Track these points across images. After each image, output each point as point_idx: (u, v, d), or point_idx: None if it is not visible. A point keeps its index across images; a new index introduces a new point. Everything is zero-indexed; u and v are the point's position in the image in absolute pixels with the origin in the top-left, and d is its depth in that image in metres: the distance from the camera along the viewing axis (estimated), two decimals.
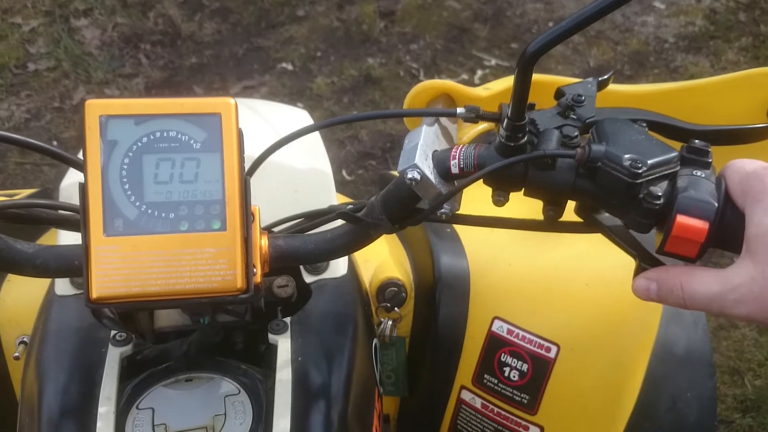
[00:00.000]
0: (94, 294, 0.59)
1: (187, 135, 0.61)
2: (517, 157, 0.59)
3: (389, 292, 0.91)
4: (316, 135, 0.99)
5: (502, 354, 0.88)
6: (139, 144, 0.60)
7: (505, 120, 0.59)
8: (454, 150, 0.62)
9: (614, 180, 0.57)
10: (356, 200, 0.74)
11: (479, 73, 2.74)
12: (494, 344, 0.88)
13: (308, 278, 0.83)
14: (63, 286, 0.80)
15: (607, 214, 0.63)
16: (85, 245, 0.59)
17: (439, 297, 0.89)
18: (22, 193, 1.14)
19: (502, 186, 0.62)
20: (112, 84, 2.71)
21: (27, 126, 2.59)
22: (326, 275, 0.84)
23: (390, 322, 0.90)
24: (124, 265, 0.59)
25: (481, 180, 0.62)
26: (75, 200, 0.74)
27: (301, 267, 0.84)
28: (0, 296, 0.90)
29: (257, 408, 0.69)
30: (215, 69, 2.80)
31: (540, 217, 0.65)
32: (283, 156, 0.73)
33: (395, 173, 1.19)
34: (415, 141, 0.63)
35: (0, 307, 0.89)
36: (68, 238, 0.81)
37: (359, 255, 0.91)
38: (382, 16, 2.96)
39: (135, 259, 0.59)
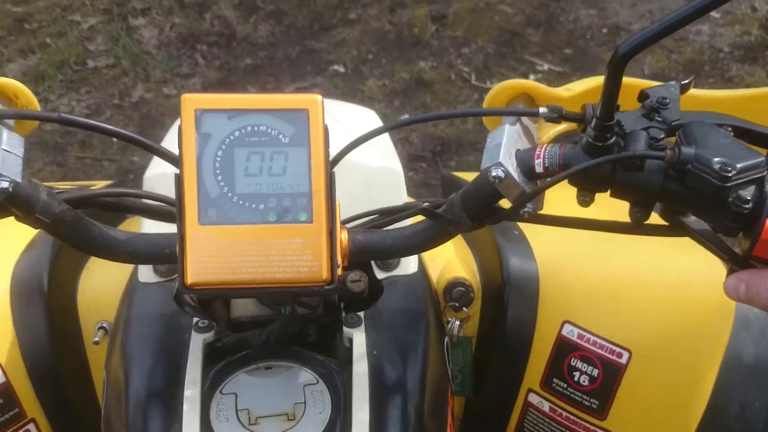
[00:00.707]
0: (189, 280, 0.61)
1: (277, 129, 0.63)
2: (606, 157, 0.60)
3: (456, 292, 0.92)
4: (386, 135, 1.01)
5: (572, 358, 0.88)
6: (232, 137, 0.62)
7: (594, 120, 0.60)
8: (538, 149, 0.63)
9: (704, 183, 0.57)
10: (431, 198, 0.75)
11: (531, 77, 2.73)
12: (564, 348, 0.88)
13: (379, 274, 0.85)
14: (146, 274, 0.83)
15: (692, 218, 0.63)
16: (181, 233, 0.61)
17: (508, 299, 0.89)
18: (98, 185, 1.18)
19: (588, 186, 0.62)
20: (170, 83, 2.76)
21: None
22: (397, 272, 0.85)
23: (457, 322, 0.91)
24: (217, 252, 0.61)
25: (563, 180, 0.62)
26: (157, 191, 0.76)
27: (373, 263, 0.85)
28: (80, 284, 0.93)
29: (335, 398, 0.71)
30: (269, 70, 2.85)
31: (616, 218, 0.66)
32: (357, 154, 0.75)
33: (458, 174, 1.20)
34: (498, 139, 0.64)
35: (79, 294, 0.92)
36: (151, 226, 0.83)
37: (426, 254, 0.92)
38: (433, 20, 2.97)
39: (227, 247, 0.61)
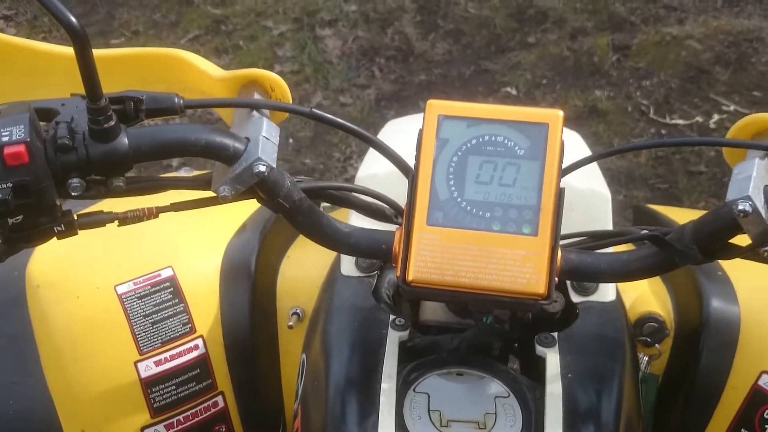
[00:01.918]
0: (411, 276, 0.63)
1: (513, 141, 0.64)
2: None
3: (648, 327, 0.89)
4: None
5: (766, 411, 0.83)
6: (468, 145, 0.64)
7: None
8: None
9: None
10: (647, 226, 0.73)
11: (716, 117, 2.60)
12: (758, 399, 0.83)
13: (575, 297, 0.84)
14: (348, 267, 0.87)
15: None
16: (407, 231, 0.64)
17: (704, 342, 0.85)
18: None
19: None
20: (347, 92, 2.88)
21: None
22: (594, 297, 0.83)
23: (646, 358, 0.88)
24: (441, 254, 0.63)
25: None
26: None
27: (569, 285, 0.84)
28: (281, 269, 0.98)
29: (527, 415, 0.70)
30: (441, 87, 2.89)
31: None
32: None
33: (653, 207, 1.16)
34: (747, 172, 0.62)
35: (280, 280, 0.97)
36: (357, 221, 0.87)
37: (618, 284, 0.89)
38: (615, 50, 2.90)
39: (450, 250, 0.63)
